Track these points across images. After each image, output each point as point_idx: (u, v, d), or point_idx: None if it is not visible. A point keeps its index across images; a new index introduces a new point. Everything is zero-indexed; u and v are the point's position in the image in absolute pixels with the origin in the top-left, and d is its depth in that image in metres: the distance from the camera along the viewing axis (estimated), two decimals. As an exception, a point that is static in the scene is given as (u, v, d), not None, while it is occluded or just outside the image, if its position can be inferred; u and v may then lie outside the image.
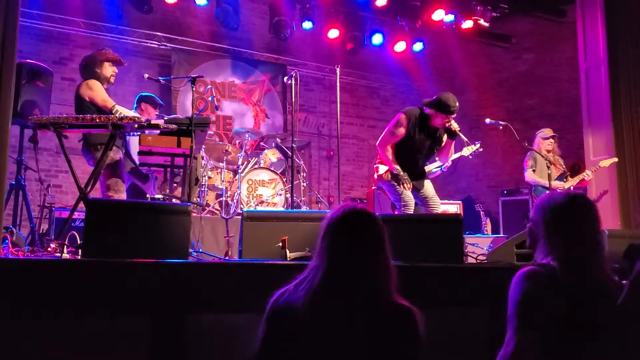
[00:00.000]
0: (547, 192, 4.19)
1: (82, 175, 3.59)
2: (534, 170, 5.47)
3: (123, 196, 3.92)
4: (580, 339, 1.60)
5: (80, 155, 4.11)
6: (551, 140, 5.61)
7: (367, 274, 1.58)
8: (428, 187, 4.54)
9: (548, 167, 5.13)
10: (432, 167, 5.69)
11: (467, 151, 5.69)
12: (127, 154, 4.60)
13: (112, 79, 4.19)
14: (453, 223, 3.30)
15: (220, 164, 6.17)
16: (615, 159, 5.37)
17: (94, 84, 3.96)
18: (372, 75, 9.41)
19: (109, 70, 4.16)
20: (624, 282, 1.71)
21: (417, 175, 4.49)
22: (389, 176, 4.45)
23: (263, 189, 6.15)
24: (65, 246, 2.86)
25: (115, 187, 3.88)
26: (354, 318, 1.54)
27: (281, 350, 1.57)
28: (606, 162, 5.37)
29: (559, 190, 4.95)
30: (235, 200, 5.89)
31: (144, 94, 5.21)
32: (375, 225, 1.65)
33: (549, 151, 5.60)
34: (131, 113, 4.09)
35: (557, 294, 1.61)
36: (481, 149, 5.72)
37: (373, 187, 6.34)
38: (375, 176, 4.65)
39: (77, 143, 4.10)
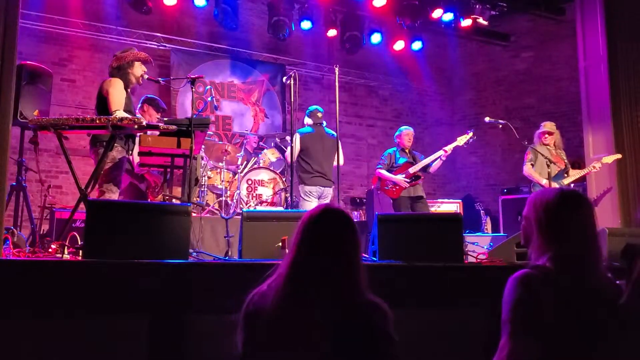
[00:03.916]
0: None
1: (83, 176, 3.59)
2: (532, 165, 5.47)
3: (114, 197, 3.89)
4: (579, 341, 1.56)
5: (80, 156, 4.09)
6: (555, 135, 5.63)
7: (333, 271, 1.57)
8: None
9: (548, 166, 5.12)
10: (432, 157, 5.68)
11: (461, 140, 5.70)
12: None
13: (141, 80, 4.09)
14: (453, 222, 3.30)
15: (220, 164, 6.17)
16: (619, 155, 5.33)
17: (117, 81, 3.90)
18: (371, 75, 9.41)
19: (139, 70, 4.07)
20: (618, 281, 1.68)
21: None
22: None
23: (262, 188, 6.15)
24: (65, 247, 2.87)
25: (108, 187, 3.86)
26: (321, 317, 1.52)
27: (258, 352, 1.56)
28: (609, 159, 5.34)
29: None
30: (235, 200, 5.89)
31: (149, 95, 5.20)
32: (347, 225, 1.64)
33: (553, 144, 5.60)
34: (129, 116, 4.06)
35: (554, 297, 1.57)
36: (475, 137, 5.73)
37: (372, 187, 6.34)
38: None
39: (77, 144, 4.08)
